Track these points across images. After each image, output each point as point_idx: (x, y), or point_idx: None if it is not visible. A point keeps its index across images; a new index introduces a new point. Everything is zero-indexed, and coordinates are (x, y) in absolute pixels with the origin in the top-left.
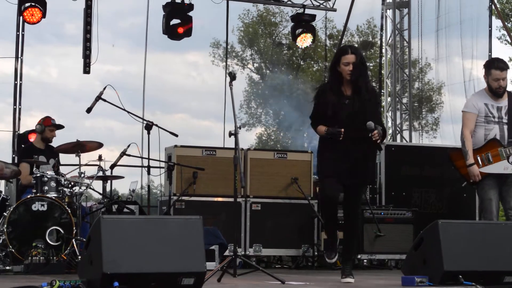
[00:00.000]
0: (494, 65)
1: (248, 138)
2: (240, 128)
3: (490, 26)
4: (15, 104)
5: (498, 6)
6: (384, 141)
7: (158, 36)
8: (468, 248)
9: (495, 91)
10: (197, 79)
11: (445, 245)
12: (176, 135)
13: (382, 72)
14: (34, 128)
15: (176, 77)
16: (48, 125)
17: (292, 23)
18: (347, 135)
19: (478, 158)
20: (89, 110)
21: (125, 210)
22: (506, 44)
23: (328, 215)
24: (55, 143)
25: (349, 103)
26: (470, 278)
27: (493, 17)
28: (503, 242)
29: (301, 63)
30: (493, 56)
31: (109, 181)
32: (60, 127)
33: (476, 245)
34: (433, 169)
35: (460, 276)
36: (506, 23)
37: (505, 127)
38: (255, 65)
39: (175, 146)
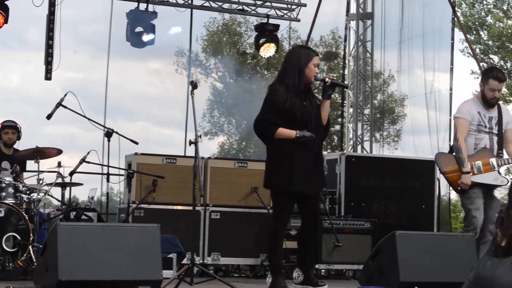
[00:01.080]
0: (493, 74)
1: (211, 147)
2: (200, 137)
3: (453, 38)
4: None
5: (461, 19)
6: (344, 151)
7: (121, 43)
8: (425, 259)
9: (488, 101)
10: (159, 87)
11: (402, 256)
12: (136, 143)
13: (345, 82)
14: None
15: (138, 85)
16: (0, 129)
17: (256, 33)
18: (316, 140)
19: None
20: (49, 117)
21: (84, 217)
22: (468, 56)
23: (282, 238)
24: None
25: (308, 106)
26: None
27: (456, 30)
28: (459, 253)
29: (265, 72)
30: (454, 68)
31: (68, 188)
32: (12, 126)
33: (432, 256)
34: (393, 180)
35: (416, 287)
36: (468, 35)
37: (495, 138)
38: (219, 74)
39: (135, 153)
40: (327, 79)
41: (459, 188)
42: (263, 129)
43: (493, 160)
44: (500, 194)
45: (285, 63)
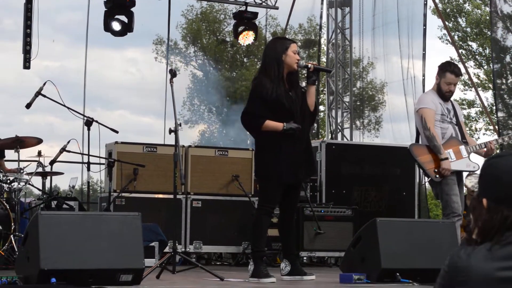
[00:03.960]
0: (450, 68)
1: (191, 135)
2: (180, 125)
3: (425, 24)
4: None
5: (439, 6)
6: (325, 139)
7: (98, 31)
8: (406, 245)
9: (444, 94)
10: (137, 76)
11: (383, 242)
12: (117, 132)
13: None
14: None
15: (116, 73)
16: None
17: (234, 21)
18: (304, 129)
19: None
20: (28, 106)
21: (65, 206)
22: (447, 44)
23: (267, 226)
24: None
25: (293, 95)
26: (407, 276)
27: (434, 17)
28: (440, 239)
29: (245, 60)
30: (427, 54)
31: (48, 177)
32: None
33: (413, 243)
34: (373, 168)
35: (398, 274)
36: (446, 22)
37: (456, 127)
38: (199, 62)
39: (116, 142)
40: (309, 65)
41: (437, 176)
42: (250, 122)
43: (462, 148)
44: (470, 182)
45: (264, 57)
